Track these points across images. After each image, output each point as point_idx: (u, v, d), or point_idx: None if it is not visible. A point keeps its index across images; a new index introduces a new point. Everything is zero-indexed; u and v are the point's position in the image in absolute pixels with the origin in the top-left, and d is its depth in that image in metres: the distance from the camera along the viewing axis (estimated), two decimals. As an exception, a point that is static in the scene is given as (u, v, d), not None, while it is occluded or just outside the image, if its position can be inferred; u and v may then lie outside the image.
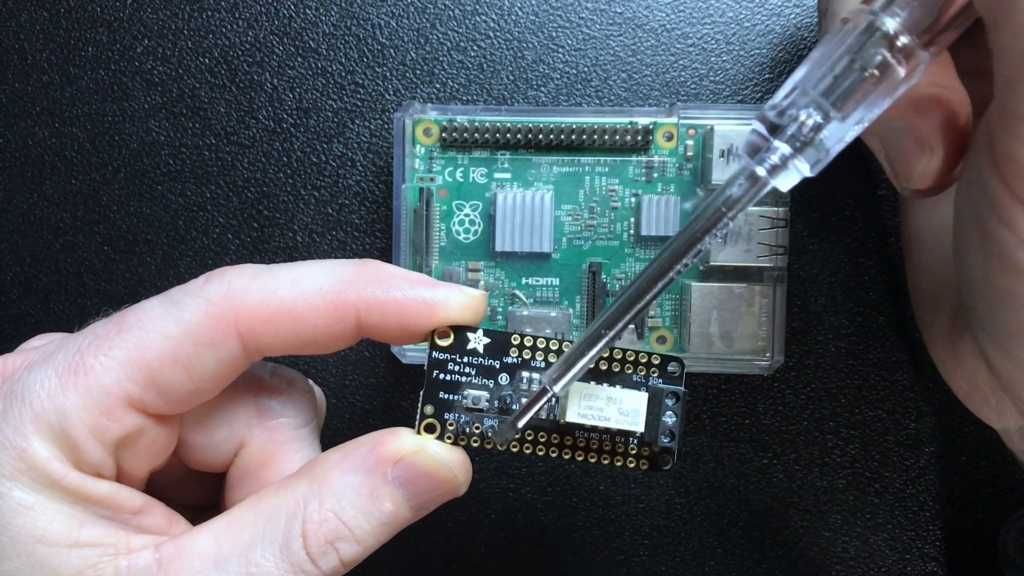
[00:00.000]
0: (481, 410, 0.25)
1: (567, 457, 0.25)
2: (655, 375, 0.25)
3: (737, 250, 0.31)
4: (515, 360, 0.25)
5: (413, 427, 0.24)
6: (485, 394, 0.25)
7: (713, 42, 0.34)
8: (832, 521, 0.35)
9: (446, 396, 0.25)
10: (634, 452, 0.25)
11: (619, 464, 0.25)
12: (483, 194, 0.33)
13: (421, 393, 0.25)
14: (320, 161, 0.35)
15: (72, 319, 0.35)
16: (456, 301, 0.23)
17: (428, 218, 0.32)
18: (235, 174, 0.35)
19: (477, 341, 0.25)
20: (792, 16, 0.34)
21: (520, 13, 0.35)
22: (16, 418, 0.21)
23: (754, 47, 0.34)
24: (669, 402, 0.25)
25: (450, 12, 0.35)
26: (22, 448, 0.20)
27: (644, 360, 0.25)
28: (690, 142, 0.32)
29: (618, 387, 0.25)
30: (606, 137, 0.32)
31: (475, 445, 0.25)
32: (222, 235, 0.35)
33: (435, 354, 0.25)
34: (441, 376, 0.25)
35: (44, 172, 0.35)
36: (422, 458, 0.23)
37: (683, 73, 0.34)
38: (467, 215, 0.33)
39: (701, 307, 0.32)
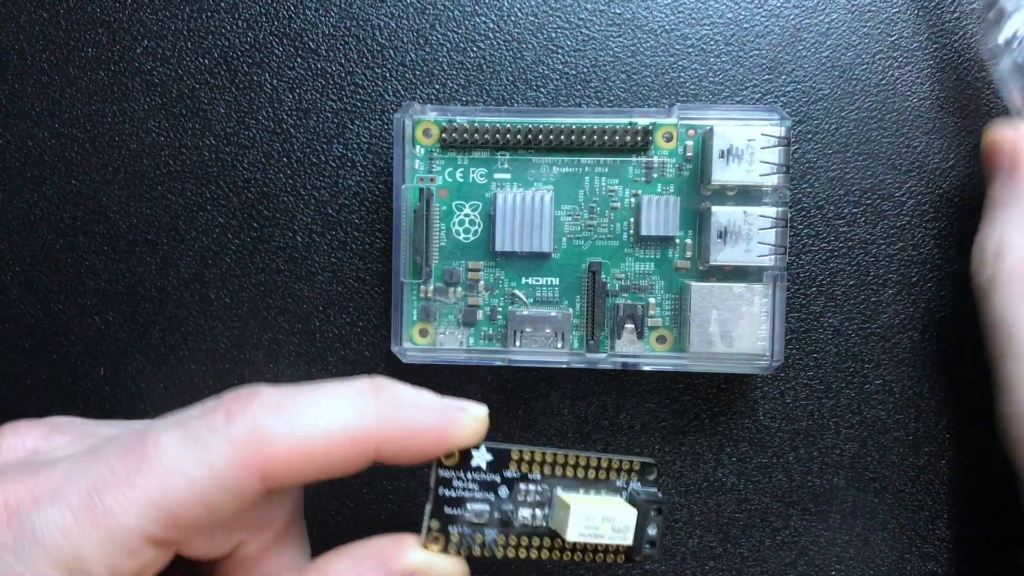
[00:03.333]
0: (483, 523, 0.27)
1: (556, 558, 0.28)
2: (635, 479, 0.28)
3: (737, 250, 0.31)
4: (515, 474, 0.27)
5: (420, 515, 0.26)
6: (487, 507, 0.27)
7: (712, 43, 0.35)
8: (832, 521, 0.35)
9: (451, 511, 0.27)
10: (624, 552, 0.28)
11: (599, 560, 0.28)
12: (483, 194, 0.33)
13: (427, 508, 0.26)
14: (320, 161, 0.35)
15: (72, 319, 0.35)
16: (467, 429, 0.24)
17: (428, 218, 0.32)
18: (235, 174, 0.35)
19: (480, 458, 0.27)
20: (791, 17, 0.34)
21: (519, 14, 0.35)
22: (30, 559, 0.20)
23: (753, 48, 0.34)
24: (653, 514, 0.28)
25: (450, 13, 0.35)
26: None
27: (625, 467, 0.28)
28: (689, 142, 0.32)
29: (616, 499, 0.28)
30: (606, 137, 0.32)
31: (475, 554, 0.27)
32: (222, 235, 0.35)
33: (441, 472, 0.26)
34: (447, 492, 0.27)
35: (44, 173, 0.35)
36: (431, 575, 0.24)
37: (682, 74, 0.35)
38: (467, 215, 0.33)
39: (701, 307, 0.32)
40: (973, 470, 0.34)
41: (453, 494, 0.27)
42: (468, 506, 0.27)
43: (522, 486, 0.27)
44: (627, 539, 0.27)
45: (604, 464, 0.28)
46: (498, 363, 0.33)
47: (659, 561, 0.35)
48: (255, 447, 0.22)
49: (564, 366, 0.33)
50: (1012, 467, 0.30)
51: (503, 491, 0.27)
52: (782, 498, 0.35)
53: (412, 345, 0.33)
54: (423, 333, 0.33)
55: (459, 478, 0.27)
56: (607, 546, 0.28)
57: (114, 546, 0.21)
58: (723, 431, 0.35)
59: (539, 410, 0.35)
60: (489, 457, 0.27)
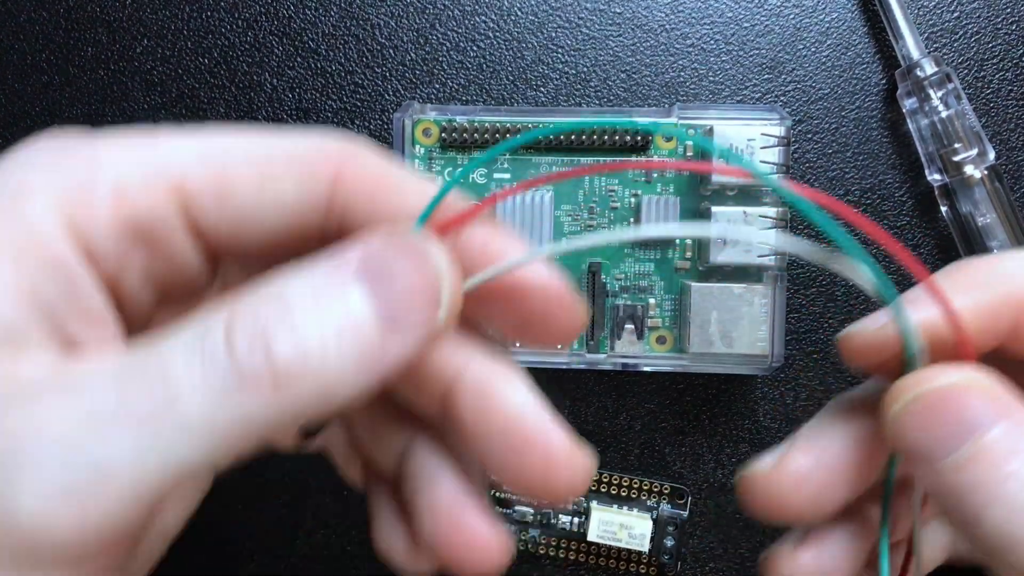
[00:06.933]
0: (527, 523, 0.33)
1: (592, 562, 0.34)
2: (665, 501, 0.34)
3: (737, 250, 0.31)
4: None
5: None
6: (530, 510, 0.33)
7: (712, 42, 0.34)
8: (832, 521, 0.35)
9: (500, 510, 0.33)
10: (644, 562, 0.34)
11: (633, 572, 0.34)
12: (483, 194, 0.33)
13: None
14: (320, 161, 0.35)
15: (72, 319, 0.35)
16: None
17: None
18: (235, 174, 0.35)
19: None
20: (791, 16, 0.34)
21: (519, 13, 0.35)
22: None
23: (753, 47, 0.34)
24: (671, 528, 0.33)
25: (450, 13, 0.35)
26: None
27: (657, 489, 0.34)
28: (689, 142, 0.32)
29: (635, 511, 0.33)
30: (606, 137, 0.32)
31: (521, 549, 0.33)
32: (222, 235, 0.35)
33: (492, 477, 0.31)
34: (497, 494, 0.33)
35: (44, 172, 0.35)
36: (392, 242, 0.16)
37: (682, 73, 0.34)
38: (467, 215, 0.33)
39: (701, 307, 0.32)
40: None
41: (502, 496, 0.33)
42: (514, 508, 0.33)
43: None
44: (643, 546, 0.33)
45: (637, 485, 0.33)
46: (498, 363, 0.33)
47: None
48: None
49: (564, 367, 0.33)
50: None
51: None
52: (782, 498, 0.35)
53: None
54: (423, 333, 0.33)
55: None
56: (638, 555, 0.33)
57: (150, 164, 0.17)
58: (723, 431, 0.35)
59: (539, 410, 0.35)
60: None
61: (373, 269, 0.16)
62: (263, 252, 0.18)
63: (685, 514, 0.34)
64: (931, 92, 0.32)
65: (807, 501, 0.20)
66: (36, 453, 0.14)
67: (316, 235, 0.18)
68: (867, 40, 0.34)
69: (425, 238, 0.17)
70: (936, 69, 0.32)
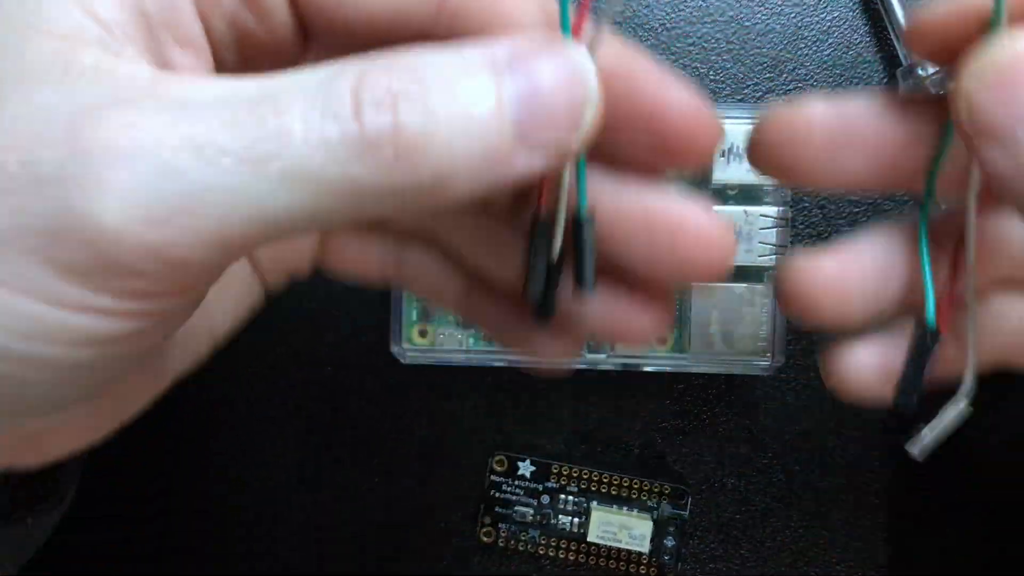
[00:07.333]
0: (528, 523, 0.33)
1: (592, 563, 0.33)
2: (665, 501, 0.33)
3: (738, 250, 0.31)
4: (555, 485, 0.33)
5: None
6: (531, 511, 0.33)
7: (713, 41, 0.34)
8: (832, 520, 0.34)
9: (500, 510, 0.33)
10: (645, 563, 0.33)
11: (633, 572, 0.33)
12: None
13: (481, 507, 0.33)
14: (319, 161, 0.35)
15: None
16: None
17: (428, 218, 0.32)
18: (234, 174, 0.35)
19: (525, 469, 0.33)
20: (792, 15, 0.34)
21: (519, 12, 0.35)
22: None
23: (754, 46, 0.34)
24: (671, 529, 0.33)
25: (449, 11, 0.35)
26: None
27: (657, 489, 0.33)
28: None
29: (635, 511, 0.33)
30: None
31: (521, 550, 0.33)
32: (221, 235, 0.35)
33: (492, 478, 0.33)
34: (497, 495, 0.33)
35: (42, 172, 0.35)
36: (546, 48, 0.15)
37: (683, 72, 0.34)
38: (467, 215, 0.33)
39: (701, 307, 0.31)
40: (974, 470, 0.34)
41: (502, 496, 0.33)
42: (515, 508, 0.33)
43: (561, 496, 0.33)
44: (643, 547, 0.33)
45: (637, 485, 0.33)
46: (498, 363, 0.33)
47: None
48: None
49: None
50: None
51: (544, 499, 0.33)
52: (782, 498, 0.35)
53: (411, 345, 0.33)
54: (422, 333, 0.33)
55: (507, 484, 0.33)
56: (639, 556, 0.33)
57: None
58: (723, 431, 0.35)
59: (539, 411, 0.35)
60: (532, 468, 0.33)
61: (520, 71, 0.15)
62: (362, 37, 0.17)
63: (685, 514, 0.33)
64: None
65: (825, 155, 0.18)
66: (129, 165, 0.13)
67: (420, 36, 0.16)
68: (868, 39, 0.34)
69: (581, 51, 0.15)
70: (937, 69, 0.32)
